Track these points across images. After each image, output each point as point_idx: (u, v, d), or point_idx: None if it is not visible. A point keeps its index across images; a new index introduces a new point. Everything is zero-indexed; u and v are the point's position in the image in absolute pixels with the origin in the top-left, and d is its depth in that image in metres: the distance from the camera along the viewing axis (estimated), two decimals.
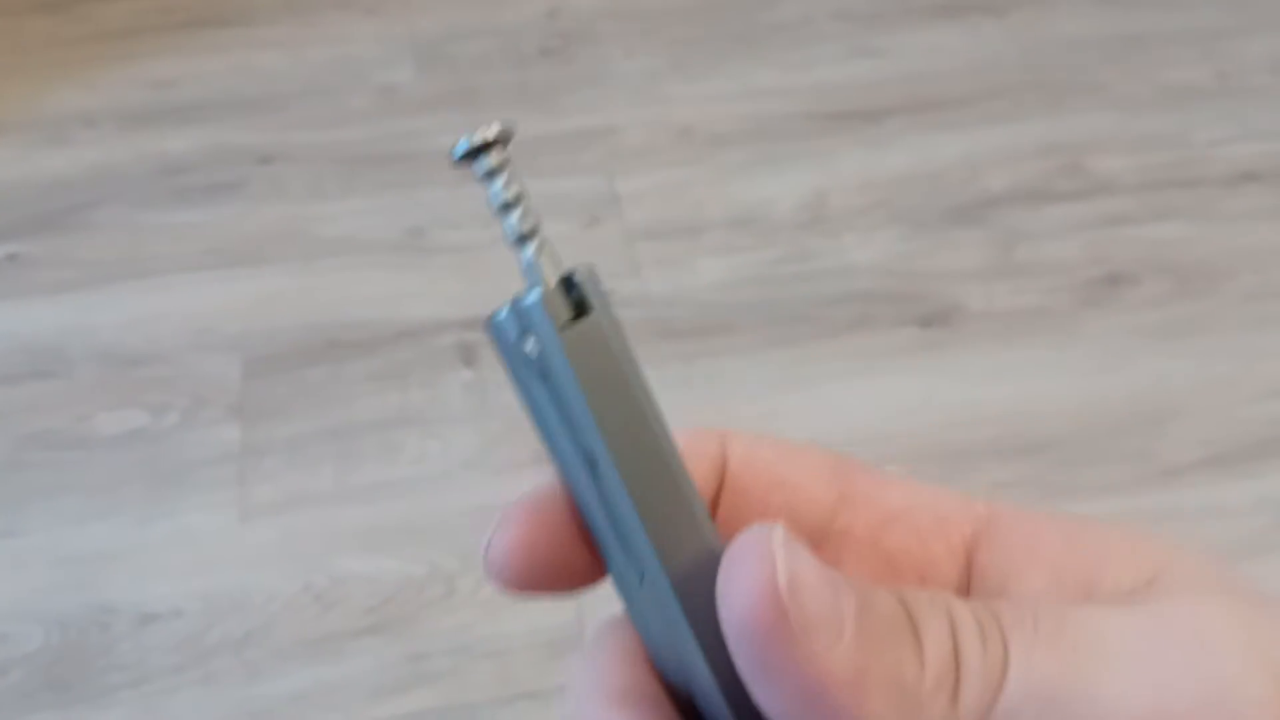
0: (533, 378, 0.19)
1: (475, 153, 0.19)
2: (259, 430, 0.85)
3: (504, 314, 0.19)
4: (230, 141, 1.05)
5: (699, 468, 0.21)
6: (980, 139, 1.05)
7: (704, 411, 0.85)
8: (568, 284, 0.19)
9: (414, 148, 1.05)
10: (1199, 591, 0.18)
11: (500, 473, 0.82)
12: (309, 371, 0.88)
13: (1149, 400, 0.86)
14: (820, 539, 0.22)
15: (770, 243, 0.97)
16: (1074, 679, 0.17)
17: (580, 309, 0.19)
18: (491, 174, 0.19)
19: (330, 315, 0.92)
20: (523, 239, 0.19)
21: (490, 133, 0.19)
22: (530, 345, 0.19)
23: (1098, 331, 0.90)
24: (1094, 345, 0.90)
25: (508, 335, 0.19)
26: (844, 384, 0.87)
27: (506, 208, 0.19)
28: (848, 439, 0.84)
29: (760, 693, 0.17)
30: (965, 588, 0.21)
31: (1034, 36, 1.14)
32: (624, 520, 0.18)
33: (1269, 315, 0.91)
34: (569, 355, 0.18)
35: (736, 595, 0.17)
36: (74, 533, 0.80)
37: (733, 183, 1.01)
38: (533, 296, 0.18)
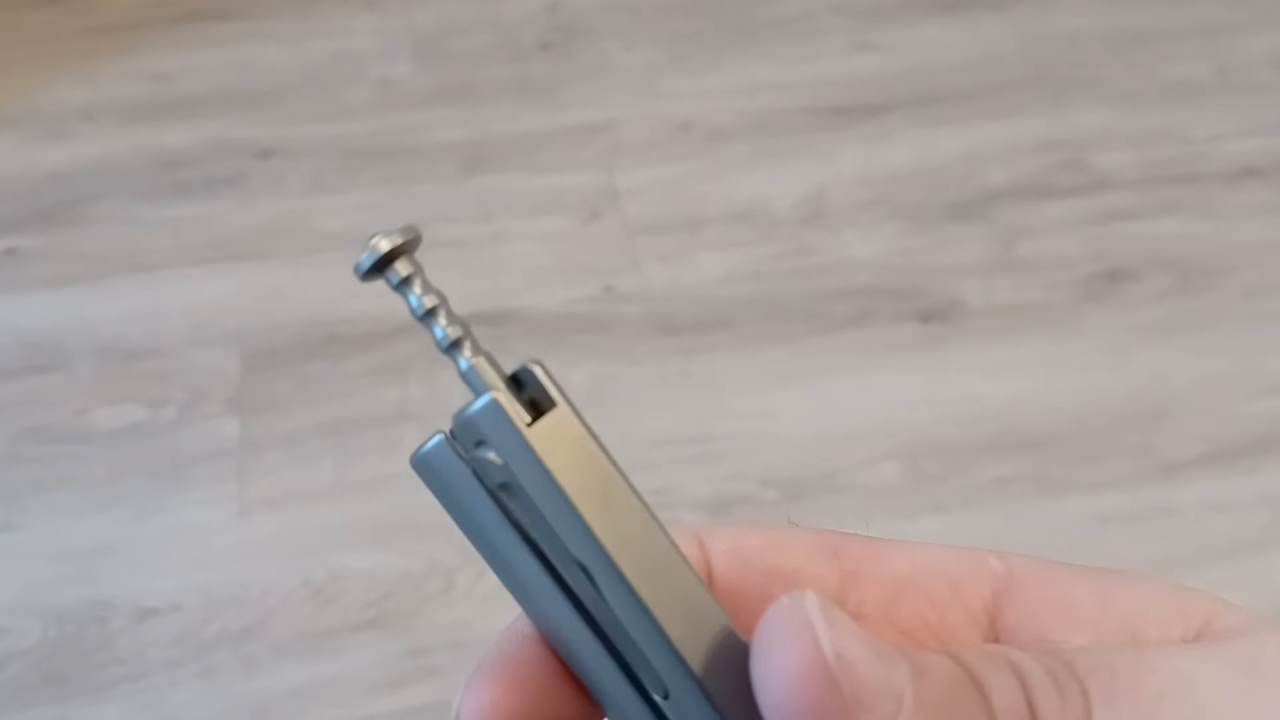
0: (486, 502, 0.17)
1: (382, 264, 0.17)
2: (258, 425, 0.85)
3: (431, 444, 0.17)
4: (229, 135, 1.05)
5: None
6: (981, 134, 1.04)
7: (703, 407, 0.85)
8: (517, 382, 0.17)
9: (413, 142, 1.04)
10: (1262, 631, 0.17)
11: None
12: (308, 366, 0.88)
13: (1149, 396, 0.86)
14: None
15: (770, 238, 0.96)
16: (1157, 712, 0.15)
17: (537, 407, 0.17)
18: (405, 283, 0.17)
19: (329, 310, 0.92)
20: (454, 346, 0.17)
21: (395, 240, 0.17)
22: (490, 458, 0.17)
23: (1098, 327, 0.90)
24: (1094, 341, 0.90)
25: (442, 463, 0.17)
26: (844, 380, 0.87)
27: (429, 316, 0.17)
28: (847, 435, 0.84)
29: None
30: None
31: (1035, 31, 1.14)
32: (637, 630, 0.17)
33: (1269, 311, 0.91)
34: (542, 457, 0.16)
35: (779, 675, 0.15)
36: (72, 527, 0.79)
37: (732, 178, 1.01)
38: (483, 401, 0.16)
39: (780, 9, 1.17)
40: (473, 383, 0.17)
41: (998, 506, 0.80)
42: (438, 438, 0.17)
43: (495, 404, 0.16)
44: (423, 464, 0.17)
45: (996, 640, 0.19)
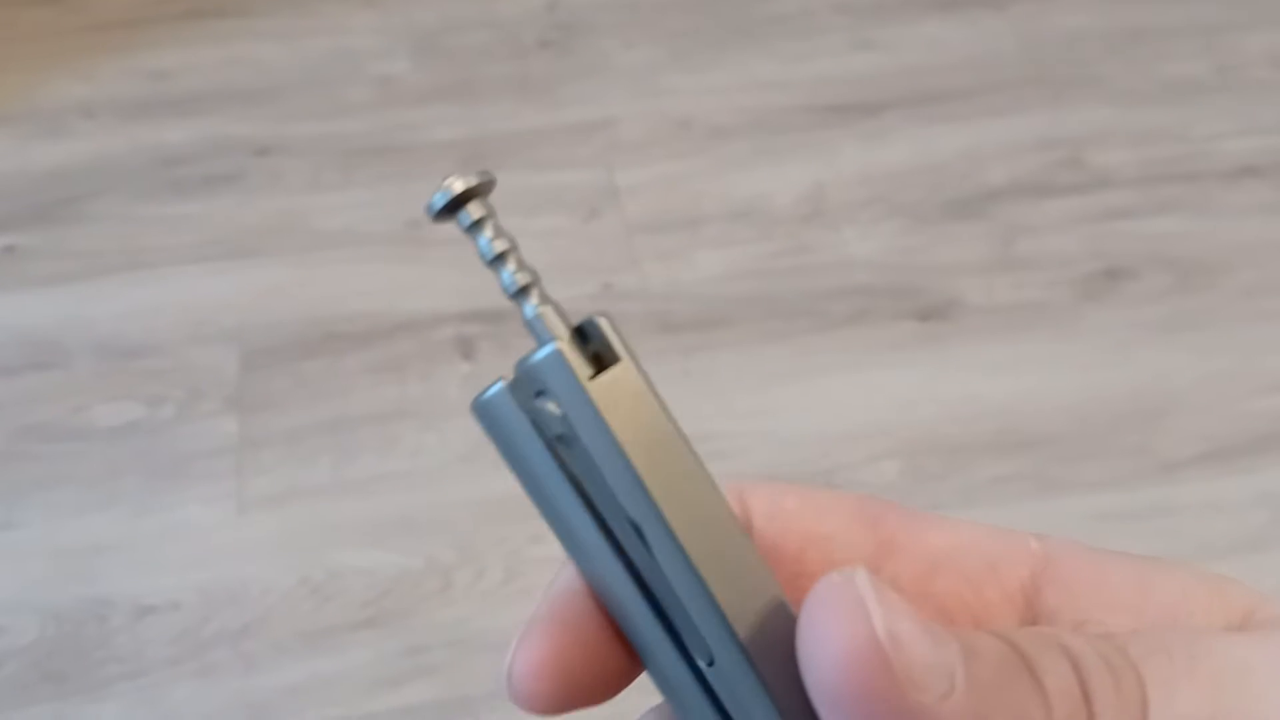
0: (543, 452, 0.17)
1: (456, 204, 0.17)
2: (256, 422, 0.84)
3: (493, 390, 0.17)
4: (228, 133, 1.05)
5: None
6: (980, 132, 1.04)
7: (702, 405, 0.85)
8: (582, 334, 0.17)
9: (412, 140, 1.04)
10: None
11: (498, 465, 0.81)
12: (307, 364, 0.88)
13: (1148, 395, 0.86)
14: None
15: (769, 236, 0.96)
16: (1226, 713, 0.15)
17: (600, 361, 0.17)
18: (477, 225, 0.17)
19: (328, 308, 0.91)
20: (522, 292, 0.17)
21: (470, 181, 0.17)
22: (549, 408, 0.16)
23: (1097, 326, 0.90)
24: (1093, 340, 0.90)
25: (502, 411, 0.17)
26: (842, 377, 0.87)
27: (499, 260, 0.17)
28: (846, 433, 0.84)
29: None
30: None
31: (1034, 30, 1.14)
32: (686, 594, 0.16)
33: (1268, 310, 0.91)
34: (602, 411, 0.16)
35: (828, 653, 0.14)
36: (71, 525, 0.79)
37: (732, 176, 1.01)
38: (546, 351, 0.16)
39: (780, 7, 1.17)
40: (537, 331, 0.17)
41: (997, 505, 0.80)
42: (499, 384, 0.17)
43: (558, 354, 0.16)
44: (483, 410, 0.17)
45: (1034, 623, 0.19)
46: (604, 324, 0.17)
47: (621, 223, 0.97)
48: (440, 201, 0.17)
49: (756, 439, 0.83)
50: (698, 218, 0.98)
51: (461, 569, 0.77)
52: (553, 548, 0.68)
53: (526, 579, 0.76)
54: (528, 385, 0.17)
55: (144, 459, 0.83)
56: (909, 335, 0.90)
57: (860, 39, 1.13)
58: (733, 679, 0.16)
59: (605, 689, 0.18)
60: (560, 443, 0.17)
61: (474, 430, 0.73)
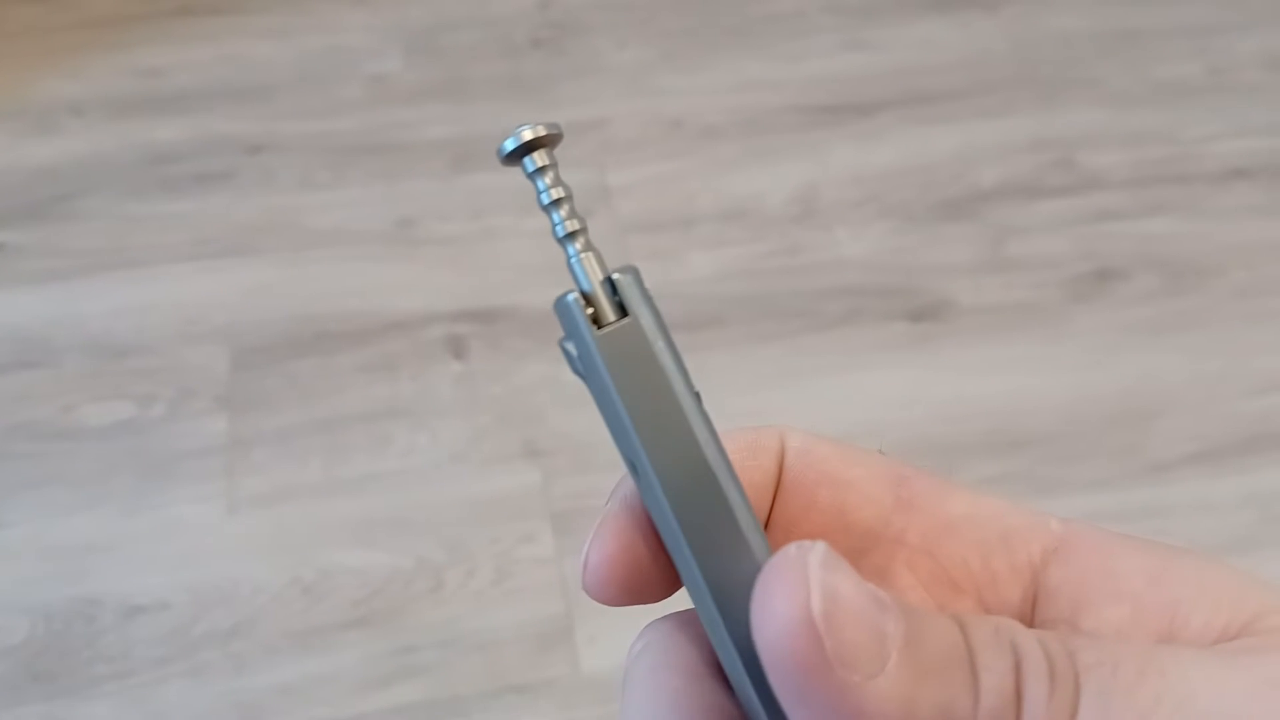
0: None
1: (523, 150, 0.18)
2: (247, 422, 0.84)
3: (570, 297, 0.19)
4: (219, 131, 1.05)
5: (759, 463, 0.20)
6: (972, 133, 1.04)
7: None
8: (612, 285, 0.18)
9: (404, 138, 1.04)
10: None
11: (489, 465, 0.82)
12: (297, 363, 0.88)
13: (1138, 395, 0.86)
14: (871, 544, 0.20)
15: (761, 236, 0.96)
16: (1150, 710, 0.15)
17: (623, 311, 0.18)
18: (539, 172, 0.19)
19: (319, 306, 0.91)
20: (569, 237, 0.19)
21: (538, 131, 0.18)
22: (569, 348, 0.18)
23: (1087, 327, 0.91)
24: (1084, 340, 0.90)
25: (569, 317, 0.19)
26: (834, 378, 0.87)
27: (554, 205, 0.19)
28: (837, 432, 0.83)
29: (795, 715, 0.16)
30: (1028, 613, 0.19)
31: (1026, 31, 1.14)
32: (668, 529, 0.18)
33: (1258, 311, 0.92)
34: (604, 358, 0.18)
35: (769, 622, 0.15)
36: (60, 524, 0.79)
37: (724, 176, 1.01)
38: (569, 297, 0.18)
39: (772, 7, 1.17)
40: (575, 274, 0.18)
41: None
42: (574, 294, 0.19)
43: (572, 304, 0.18)
44: (561, 309, 0.19)
45: (1034, 598, 0.19)
46: (625, 279, 0.18)
47: (614, 222, 0.97)
48: (509, 146, 0.18)
49: None
50: (690, 218, 0.98)
51: (452, 569, 0.77)
52: (542, 548, 0.68)
53: (517, 579, 0.76)
54: (559, 320, 0.19)
55: (134, 458, 0.82)
56: (900, 335, 0.90)
57: (852, 40, 1.14)
58: (704, 612, 0.18)
59: (662, 588, 0.19)
60: (581, 378, 0.19)
61: (465, 430, 0.73)
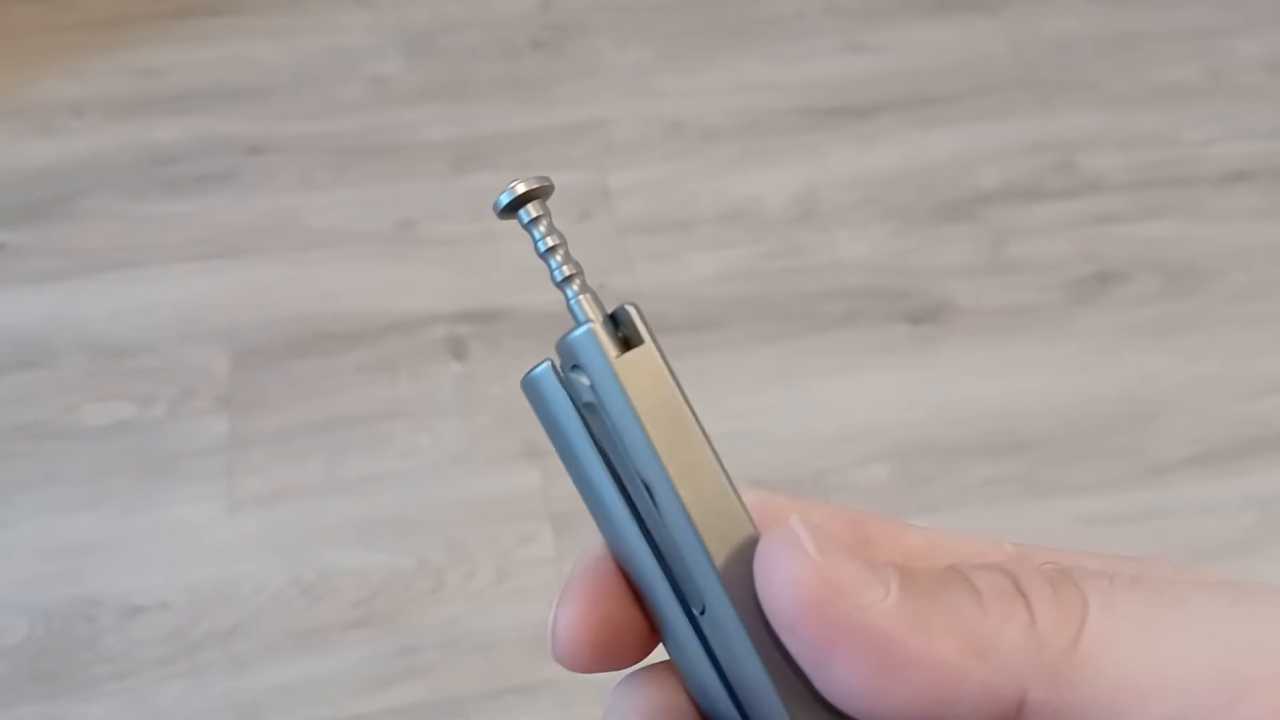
0: (575, 423, 0.19)
1: (518, 204, 0.20)
2: (247, 422, 0.84)
3: (540, 369, 0.20)
4: (220, 131, 1.05)
5: None
6: (971, 136, 1.05)
7: (695, 406, 0.85)
8: (614, 320, 0.20)
9: (404, 139, 1.04)
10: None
11: (489, 466, 0.82)
12: (298, 363, 0.88)
13: (1138, 398, 0.86)
14: None
15: (761, 238, 0.97)
16: (1163, 616, 0.16)
17: (627, 343, 0.19)
18: (534, 222, 0.20)
19: (319, 307, 0.91)
20: (566, 281, 0.20)
21: (531, 185, 0.20)
22: (581, 380, 0.19)
23: (1087, 329, 0.91)
24: (1083, 343, 0.90)
25: (545, 387, 0.20)
26: (834, 380, 0.87)
27: (550, 252, 0.20)
28: (837, 435, 0.84)
29: (830, 675, 0.16)
30: None
31: (1026, 34, 1.14)
32: (685, 546, 0.19)
33: (1258, 314, 0.92)
34: (624, 384, 0.19)
35: (775, 581, 0.17)
36: (60, 524, 0.79)
37: (724, 177, 1.01)
38: (582, 330, 0.19)
39: (772, 9, 1.17)
40: (576, 314, 0.19)
41: (987, 507, 0.80)
42: (545, 364, 0.20)
43: (591, 333, 0.19)
44: (530, 385, 0.20)
45: None
46: (632, 312, 0.19)
47: (614, 224, 0.97)
48: (505, 200, 0.20)
49: (748, 440, 0.83)
50: (690, 219, 0.98)
51: (452, 569, 0.77)
52: (543, 549, 0.68)
53: (517, 580, 0.76)
54: (565, 359, 0.19)
55: (134, 458, 0.83)
56: (900, 337, 0.90)
57: (852, 42, 1.14)
58: (721, 623, 0.18)
59: (637, 648, 0.20)
60: (589, 410, 0.19)
61: (465, 430, 0.73)
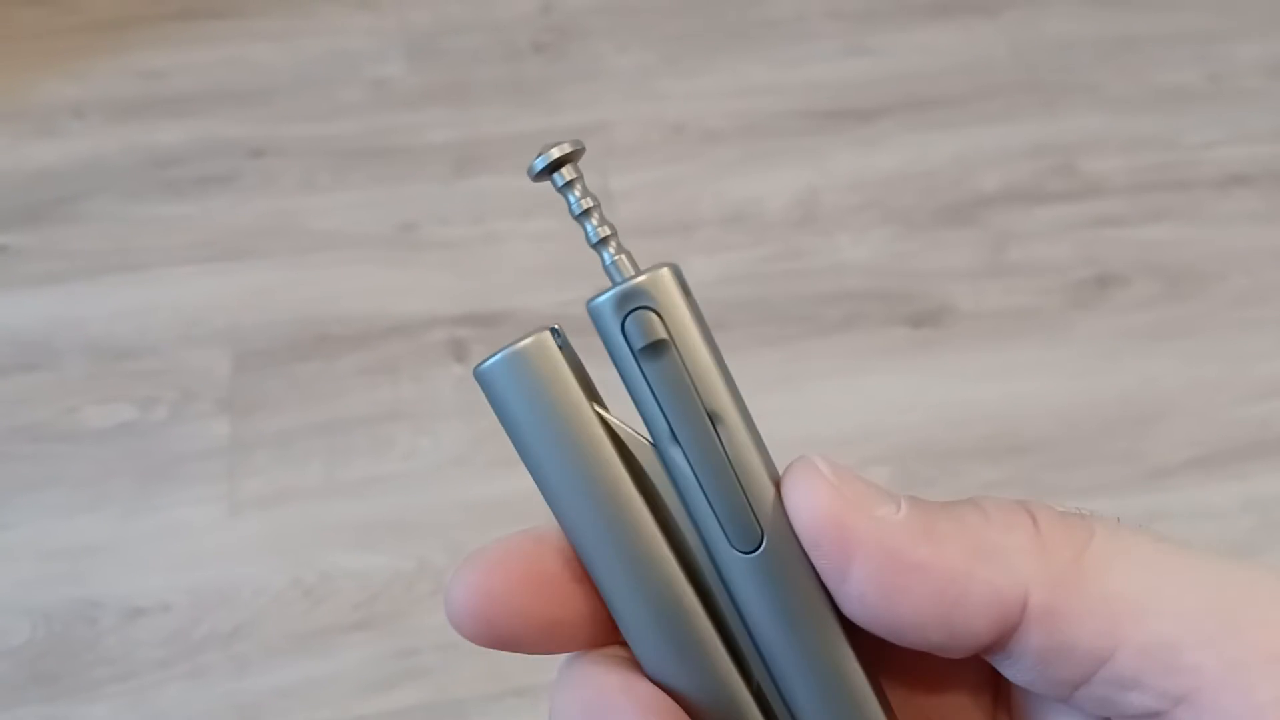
0: (573, 394, 0.20)
1: (552, 168, 0.20)
2: (248, 424, 0.84)
3: (532, 340, 0.21)
4: (221, 134, 1.05)
5: None
6: (972, 139, 1.05)
7: None
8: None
9: (406, 142, 1.04)
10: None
11: (491, 469, 0.82)
12: (299, 366, 0.88)
13: (1138, 401, 0.86)
14: None
15: (761, 241, 0.97)
16: (1165, 553, 0.18)
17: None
18: (568, 185, 0.20)
19: (321, 309, 0.91)
20: (602, 242, 0.20)
21: (565, 149, 0.20)
22: (651, 319, 0.20)
23: (1088, 332, 0.91)
24: (1084, 346, 0.90)
25: (538, 358, 0.20)
26: (834, 383, 0.88)
27: (585, 215, 0.20)
28: (838, 438, 0.84)
29: (848, 588, 0.18)
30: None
31: (1027, 37, 1.14)
32: (747, 475, 0.20)
33: (1258, 318, 0.92)
34: (694, 321, 0.20)
35: (802, 503, 0.18)
36: (61, 526, 0.79)
37: (725, 180, 1.01)
38: (658, 271, 0.20)
39: (773, 12, 1.17)
40: (613, 275, 0.20)
41: None
42: (546, 333, 0.20)
43: (669, 273, 0.20)
44: (531, 353, 0.20)
45: None
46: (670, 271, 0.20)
47: (615, 226, 0.97)
48: (540, 164, 0.20)
49: None
50: (691, 222, 0.98)
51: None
52: None
53: None
54: (624, 304, 0.20)
55: (135, 460, 0.83)
56: (901, 341, 0.90)
57: (853, 45, 1.14)
58: (783, 553, 0.19)
59: (550, 632, 0.20)
60: (649, 352, 0.20)
61: (467, 433, 0.73)
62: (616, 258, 0.20)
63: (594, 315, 0.20)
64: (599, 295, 0.20)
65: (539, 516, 0.74)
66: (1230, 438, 0.84)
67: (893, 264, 0.95)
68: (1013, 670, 0.18)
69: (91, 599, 0.76)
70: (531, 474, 0.20)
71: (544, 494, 0.20)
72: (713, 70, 1.12)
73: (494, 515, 0.79)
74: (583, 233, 0.20)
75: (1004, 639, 0.18)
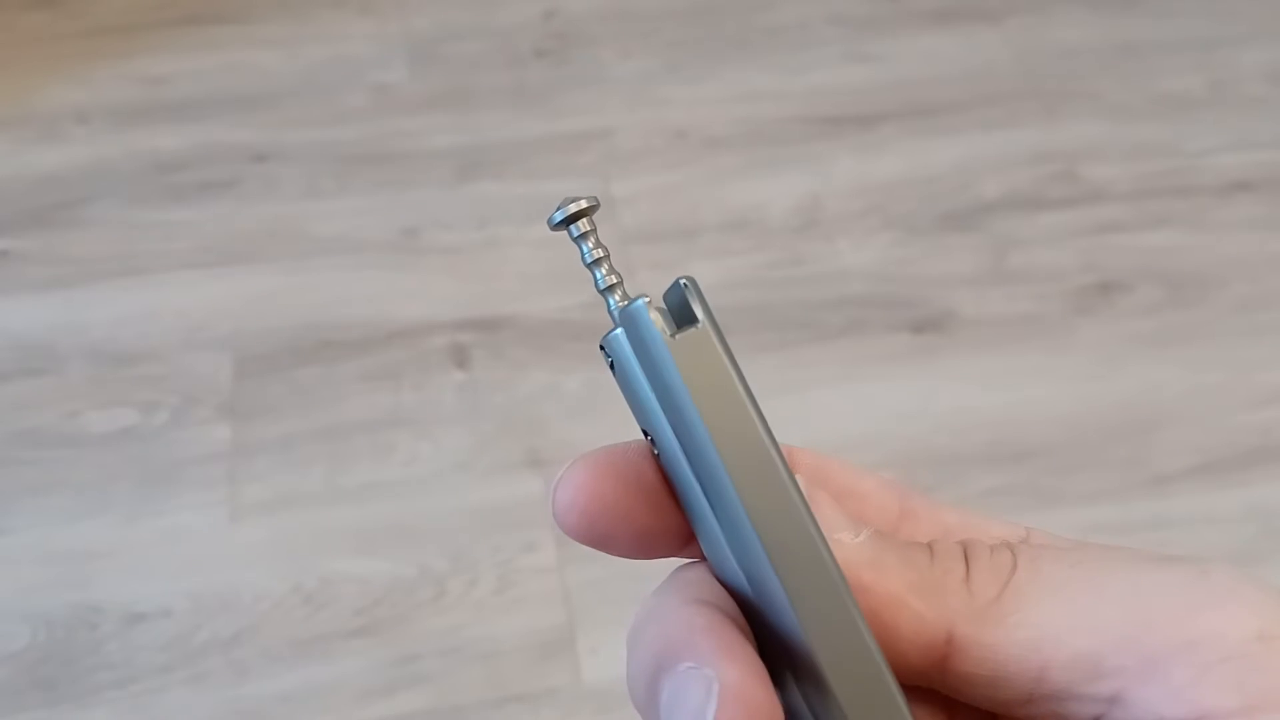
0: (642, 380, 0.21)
1: (569, 220, 0.22)
2: (250, 430, 0.84)
3: (639, 303, 0.21)
4: (224, 139, 1.05)
5: None
6: (974, 145, 1.05)
7: None
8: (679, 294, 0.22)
9: (408, 147, 1.04)
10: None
11: (492, 474, 0.82)
12: (301, 371, 0.88)
13: (1140, 408, 0.86)
14: None
15: (764, 247, 0.97)
16: (1086, 574, 0.19)
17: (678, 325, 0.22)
18: (582, 237, 0.22)
19: (323, 315, 0.91)
20: (609, 289, 0.22)
21: (581, 205, 0.22)
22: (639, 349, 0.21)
23: (1090, 339, 0.91)
24: (1086, 353, 0.90)
25: (624, 346, 0.21)
26: (836, 389, 0.87)
27: (595, 264, 0.22)
28: (840, 444, 0.84)
29: None
30: None
31: (1029, 44, 1.14)
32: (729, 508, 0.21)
33: (1260, 324, 0.92)
34: (678, 365, 0.21)
35: None
36: (62, 531, 0.79)
37: (727, 186, 1.01)
38: (638, 303, 0.21)
39: (776, 19, 1.17)
40: (616, 318, 0.22)
41: (989, 516, 0.80)
42: (641, 302, 0.21)
43: (688, 284, 0.21)
44: (630, 317, 0.21)
45: None
46: (683, 289, 0.22)
47: (617, 232, 0.97)
48: (558, 217, 0.22)
49: None
50: (693, 228, 0.98)
51: (454, 578, 0.77)
52: (545, 558, 0.68)
53: (519, 588, 0.76)
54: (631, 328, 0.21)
55: (137, 465, 0.83)
56: (903, 347, 0.90)
57: (856, 52, 1.14)
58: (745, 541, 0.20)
59: (650, 537, 0.21)
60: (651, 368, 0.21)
61: (468, 439, 0.73)
62: (621, 304, 0.22)
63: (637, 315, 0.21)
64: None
65: (539, 521, 0.75)
66: (1232, 445, 0.84)
67: (894, 270, 0.95)
68: (962, 696, 0.20)
69: (92, 604, 0.76)
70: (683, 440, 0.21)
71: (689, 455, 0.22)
72: (715, 76, 1.12)
73: (494, 521, 0.79)
74: (591, 279, 0.22)
75: (938, 667, 0.20)
